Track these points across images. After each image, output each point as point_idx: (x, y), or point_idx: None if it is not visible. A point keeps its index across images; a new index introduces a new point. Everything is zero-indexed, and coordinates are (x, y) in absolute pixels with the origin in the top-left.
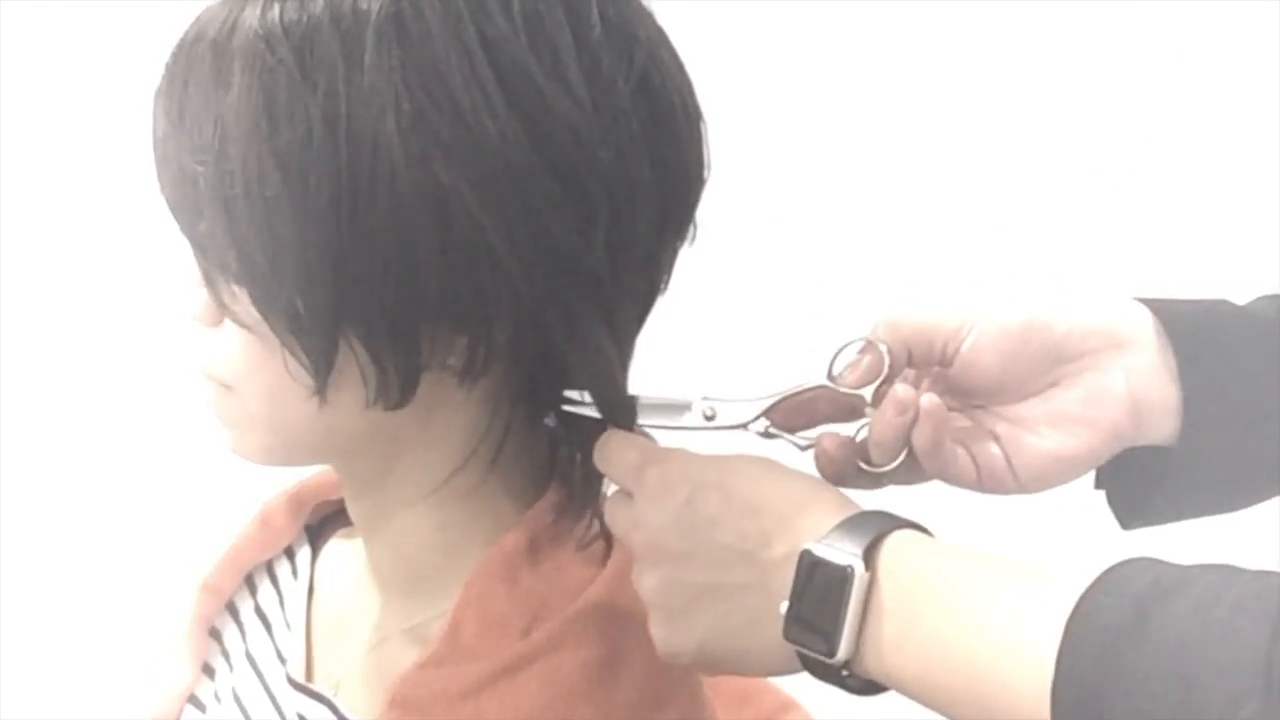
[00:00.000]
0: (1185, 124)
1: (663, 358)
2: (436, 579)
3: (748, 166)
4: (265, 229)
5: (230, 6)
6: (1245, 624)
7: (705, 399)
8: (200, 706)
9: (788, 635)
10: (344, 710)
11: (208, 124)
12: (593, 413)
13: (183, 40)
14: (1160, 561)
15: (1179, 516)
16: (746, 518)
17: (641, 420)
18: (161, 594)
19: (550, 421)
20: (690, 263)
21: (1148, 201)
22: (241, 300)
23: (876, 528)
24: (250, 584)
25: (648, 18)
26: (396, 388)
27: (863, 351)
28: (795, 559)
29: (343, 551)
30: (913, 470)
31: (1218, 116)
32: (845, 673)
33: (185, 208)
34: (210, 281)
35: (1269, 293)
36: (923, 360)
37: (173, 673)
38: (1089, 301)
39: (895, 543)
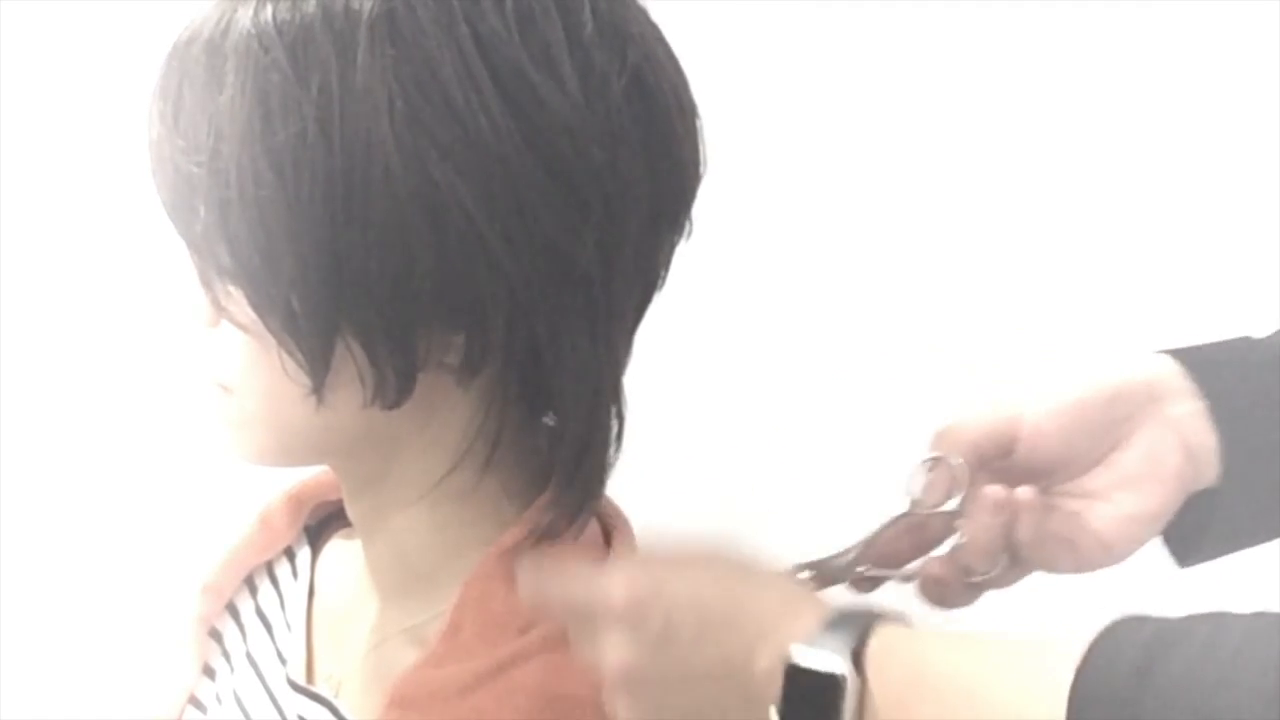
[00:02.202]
0: (1186, 127)
1: (662, 356)
2: (435, 579)
3: (746, 162)
4: (260, 229)
5: (224, 7)
6: (1250, 667)
7: (799, 566)
8: (201, 707)
9: None
10: (344, 711)
11: (202, 125)
12: None
13: (177, 42)
14: (1150, 617)
15: (1232, 549)
16: (726, 633)
17: None
18: (162, 595)
19: (549, 420)
20: (689, 260)
21: (1146, 203)
22: (238, 301)
23: (859, 626)
24: (250, 585)
25: (641, 14)
26: (394, 387)
27: (934, 470)
28: (780, 670)
29: (342, 552)
30: (1016, 569)
31: (1219, 121)
32: None
33: (181, 209)
34: (207, 282)
35: None
36: (991, 457)
37: (173, 674)
38: (1121, 363)
39: (879, 639)
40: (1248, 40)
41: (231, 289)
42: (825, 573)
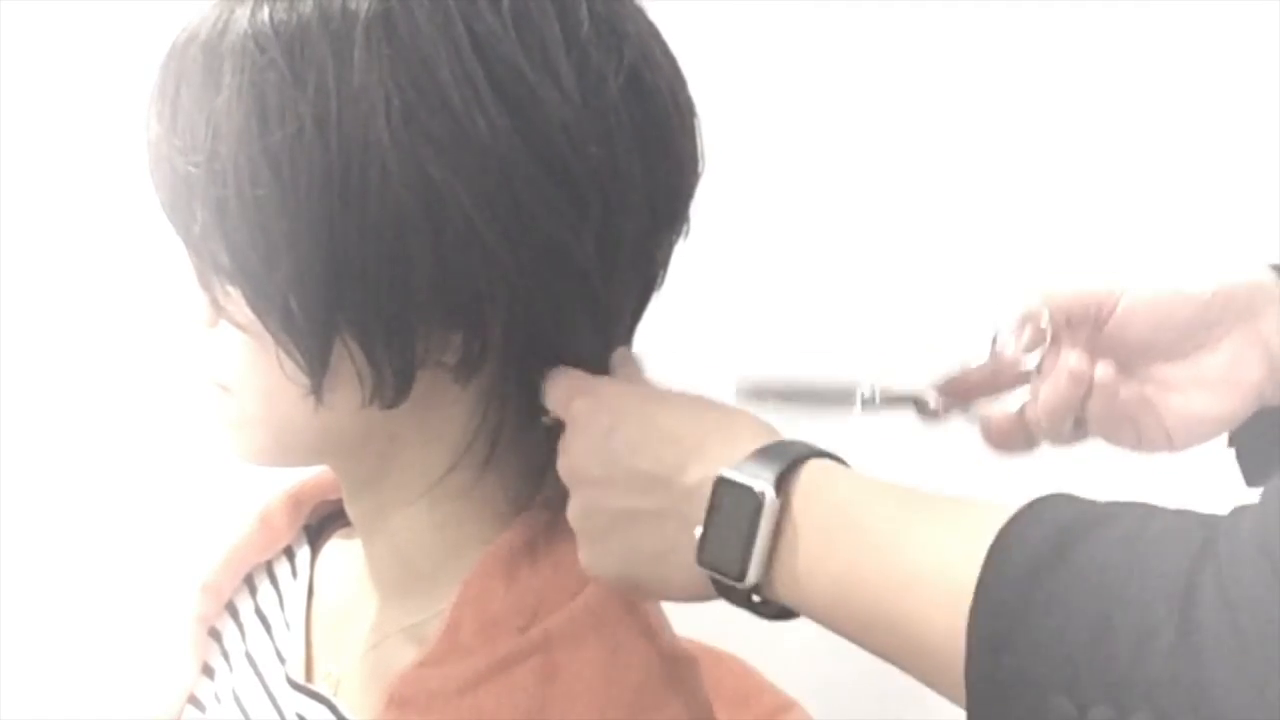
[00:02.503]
0: (1186, 129)
1: (659, 355)
2: (435, 578)
3: (744, 162)
4: (258, 229)
5: (221, 8)
6: (1164, 559)
7: (872, 384)
8: (200, 706)
9: (700, 560)
10: (343, 710)
11: (200, 125)
12: None
13: (174, 43)
14: (1082, 498)
15: None
16: (664, 445)
17: (805, 407)
18: (161, 594)
19: (548, 420)
20: (688, 258)
21: (1147, 204)
22: (236, 301)
23: (791, 455)
24: (250, 584)
25: (638, 14)
26: (392, 386)
27: (1022, 323)
28: (709, 485)
29: (342, 551)
30: (1078, 432)
31: (1219, 122)
32: (757, 598)
33: (179, 209)
34: (205, 282)
35: None
36: (1078, 326)
37: (173, 673)
38: (1227, 270)
39: (810, 471)
40: (1248, 40)
41: (230, 289)
42: (893, 397)
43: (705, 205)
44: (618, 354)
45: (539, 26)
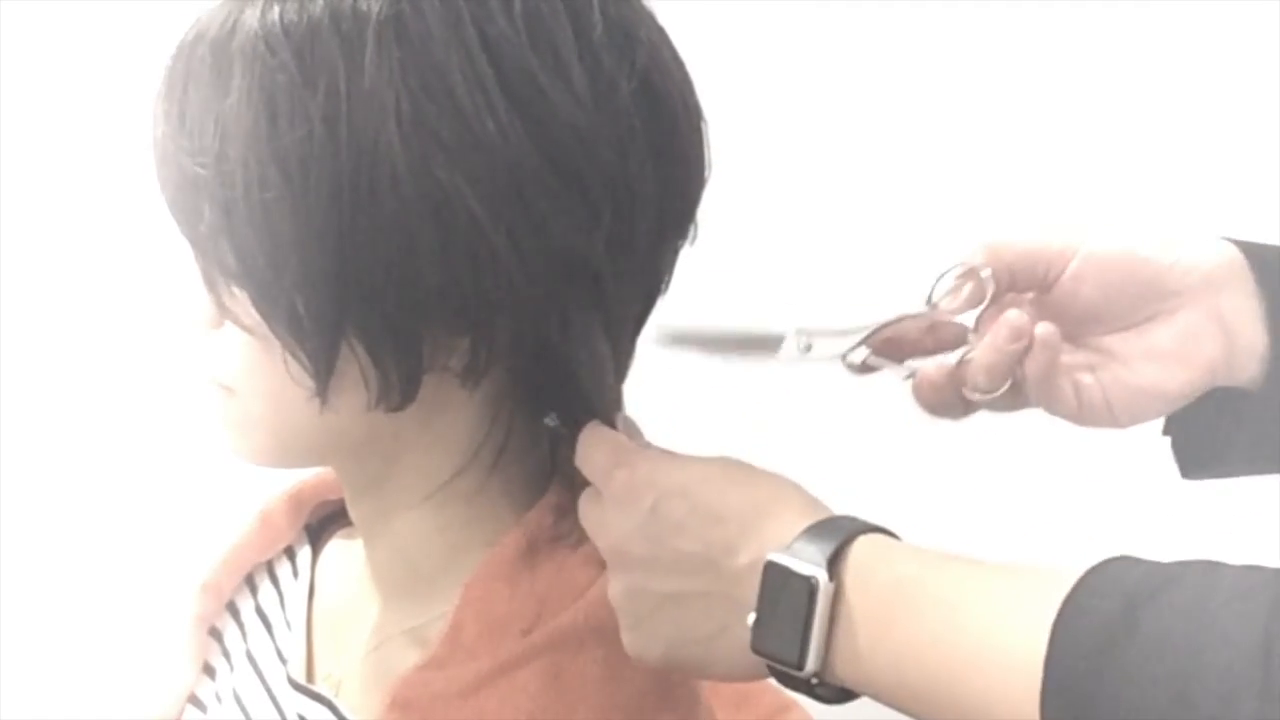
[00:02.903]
0: (1187, 129)
1: (661, 359)
2: (437, 580)
3: (750, 166)
4: (265, 231)
5: (230, 8)
6: (1238, 620)
7: (800, 331)
8: (201, 706)
9: (755, 647)
10: (344, 711)
11: (208, 125)
12: None
13: (182, 42)
14: (1143, 560)
15: (1244, 470)
16: (711, 525)
17: (735, 355)
18: (161, 594)
19: (551, 421)
20: (693, 263)
21: (1147, 201)
22: (242, 302)
23: (841, 534)
24: (251, 584)
25: (649, 18)
26: (398, 390)
27: (963, 277)
28: (759, 569)
29: (343, 552)
30: (1015, 397)
31: (1219, 123)
32: (815, 682)
33: (185, 209)
34: (211, 283)
35: None
36: (1024, 286)
37: (173, 673)
38: (1190, 239)
39: (861, 549)
40: (1248, 40)
41: (236, 290)
42: (823, 346)
43: (710, 211)
44: (620, 420)
45: (551, 30)
